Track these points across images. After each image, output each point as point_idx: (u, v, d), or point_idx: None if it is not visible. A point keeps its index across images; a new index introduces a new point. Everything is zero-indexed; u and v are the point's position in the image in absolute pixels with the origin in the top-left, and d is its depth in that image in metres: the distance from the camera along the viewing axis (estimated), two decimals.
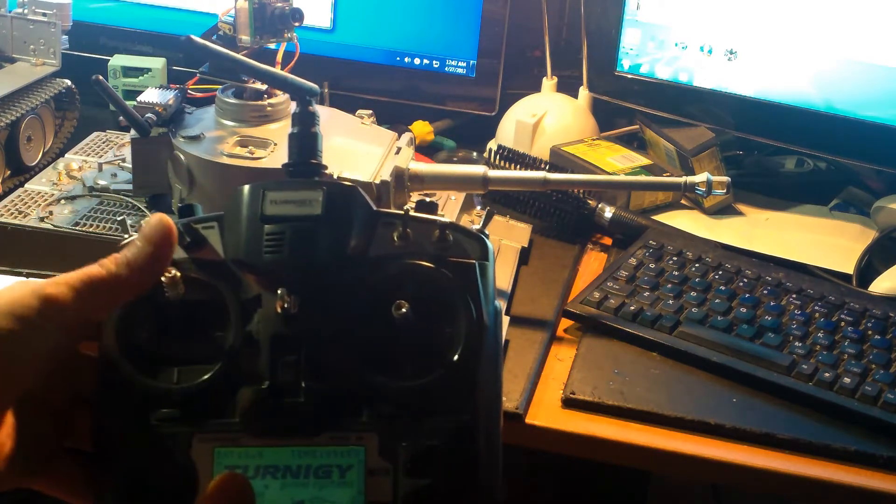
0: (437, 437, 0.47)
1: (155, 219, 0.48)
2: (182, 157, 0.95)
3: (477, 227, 0.51)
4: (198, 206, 0.52)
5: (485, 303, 0.49)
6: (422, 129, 1.34)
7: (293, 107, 1.03)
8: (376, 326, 0.48)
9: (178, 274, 0.48)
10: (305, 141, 0.55)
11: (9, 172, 1.12)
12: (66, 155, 1.14)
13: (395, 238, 0.50)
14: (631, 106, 1.31)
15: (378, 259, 0.49)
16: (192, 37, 0.78)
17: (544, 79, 1.36)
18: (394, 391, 0.47)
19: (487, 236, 0.51)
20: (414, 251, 0.49)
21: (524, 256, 1.08)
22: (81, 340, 0.48)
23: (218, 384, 0.47)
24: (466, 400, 0.48)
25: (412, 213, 0.50)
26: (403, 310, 0.47)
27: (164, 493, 0.47)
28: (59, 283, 0.46)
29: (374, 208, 0.50)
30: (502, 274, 1.02)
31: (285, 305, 0.47)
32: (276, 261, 0.48)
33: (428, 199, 0.51)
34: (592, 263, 1.11)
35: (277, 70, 0.69)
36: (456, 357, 0.48)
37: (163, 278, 0.48)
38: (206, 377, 0.48)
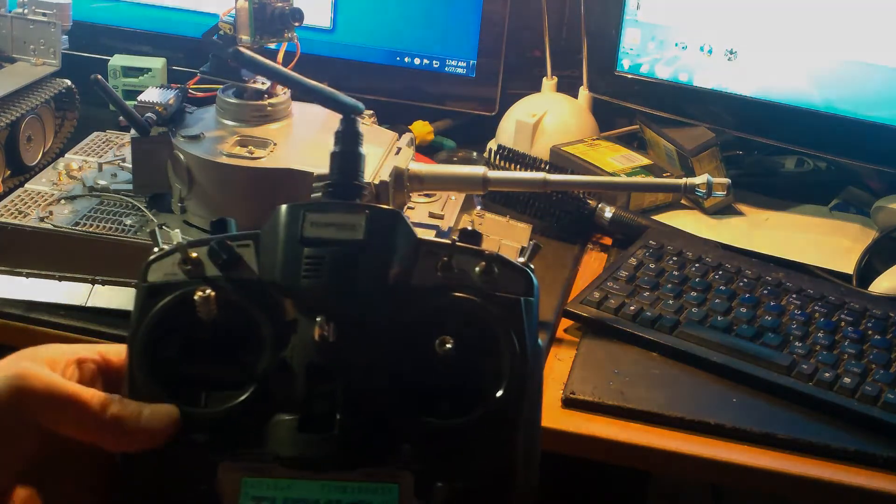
0: (474, 479, 0.45)
1: (166, 412, 0.45)
2: (181, 156, 0.96)
3: (522, 260, 0.49)
4: (231, 220, 0.49)
5: (529, 340, 0.47)
6: (422, 129, 1.34)
7: (296, 109, 1.03)
8: (416, 359, 0.46)
9: (212, 293, 0.46)
10: (348, 160, 0.52)
11: (9, 172, 1.12)
12: (66, 155, 1.14)
13: (439, 268, 0.47)
14: (631, 106, 1.31)
15: (420, 289, 0.47)
16: (240, 48, 0.77)
17: (544, 79, 1.36)
18: (432, 428, 0.45)
19: (533, 270, 0.48)
20: (458, 283, 0.47)
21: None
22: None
23: (248, 411, 0.45)
24: (507, 441, 0.46)
25: (458, 243, 0.48)
26: (448, 345, 0.45)
27: None
28: (45, 382, 0.44)
29: (418, 236, 0.48)
30: None
31: (324, 333, 0.44)
32: (314, 286, 0.45)
33: (471, 228, 0.49)
34: (592, 263, 1.11)
35: (324, 86, 0.69)
36: (498, 396, 0.46)
37: (195, 296, 0.46)
38: (236, 402, 0.46)
